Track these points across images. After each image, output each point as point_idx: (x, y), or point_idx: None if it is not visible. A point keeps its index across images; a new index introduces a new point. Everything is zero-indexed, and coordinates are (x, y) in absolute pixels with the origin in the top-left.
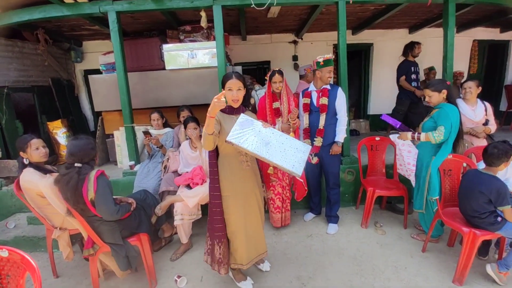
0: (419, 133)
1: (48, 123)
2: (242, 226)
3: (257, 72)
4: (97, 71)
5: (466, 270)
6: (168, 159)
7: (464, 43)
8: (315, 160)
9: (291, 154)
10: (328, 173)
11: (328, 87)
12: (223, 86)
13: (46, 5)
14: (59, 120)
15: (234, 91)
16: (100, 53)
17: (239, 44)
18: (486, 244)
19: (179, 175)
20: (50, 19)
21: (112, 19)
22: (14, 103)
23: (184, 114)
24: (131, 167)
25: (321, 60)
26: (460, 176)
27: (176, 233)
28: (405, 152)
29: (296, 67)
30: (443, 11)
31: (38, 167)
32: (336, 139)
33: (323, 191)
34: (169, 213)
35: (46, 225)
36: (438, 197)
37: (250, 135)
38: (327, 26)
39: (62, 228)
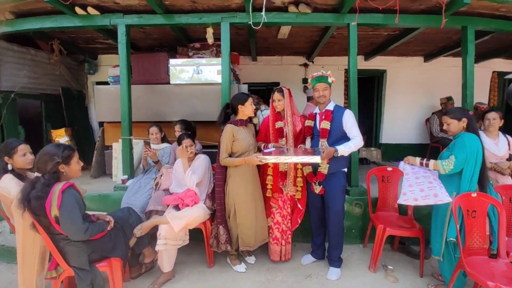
0: (428, 160)
1: (52, 130)
2: (253, 219)
3: (266, 93)
4: (107, 83)
5: None
6: (161, 175)
7: (483, 74)
8: (318, 189)
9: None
10: (330, 209)
11: (332, 108)
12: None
13: (58, 15)
14: (63, 129)
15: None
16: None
17: (249, 64)
18: None
19: (171, 194)
20: (61, 29)
21: (121, 31)
22: (22, 109)
23: (177, 128)
24: (123, 181)
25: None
26: (486, 218)
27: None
28: (413, 177)
29: (306, 89)
30: (461, 38)
31: (19, 174)
32: (336, 147)
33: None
34: (153, 236)
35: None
36: (455, 238)
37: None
38: (339, 51)
39: None
